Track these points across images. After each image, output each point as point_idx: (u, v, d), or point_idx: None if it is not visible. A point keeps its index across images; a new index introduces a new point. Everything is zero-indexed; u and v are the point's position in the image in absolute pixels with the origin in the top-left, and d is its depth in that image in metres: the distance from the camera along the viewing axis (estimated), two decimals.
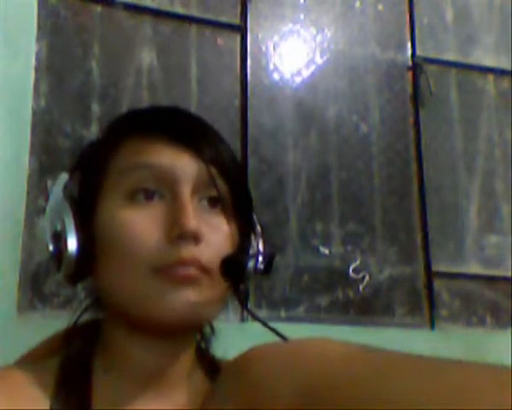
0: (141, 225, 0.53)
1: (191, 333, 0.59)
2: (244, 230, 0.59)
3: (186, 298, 0.52)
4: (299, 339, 0.41)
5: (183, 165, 0.55)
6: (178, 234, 0.52)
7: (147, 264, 0.53)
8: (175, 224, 0.53)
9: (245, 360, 0.42)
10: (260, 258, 0.60)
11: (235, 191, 0.58)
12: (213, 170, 0.56)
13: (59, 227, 0.57)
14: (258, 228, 0.63)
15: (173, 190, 0.55)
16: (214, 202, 0.57)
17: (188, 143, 0.56)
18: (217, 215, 0.57)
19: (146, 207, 0.54)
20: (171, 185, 0.55)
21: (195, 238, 0.53)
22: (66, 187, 0.59)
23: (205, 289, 0.54)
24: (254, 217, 0.63)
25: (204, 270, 0.53)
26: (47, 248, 0.58)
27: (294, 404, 0.35)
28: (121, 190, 0.55)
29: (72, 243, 0.55)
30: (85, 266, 0.56)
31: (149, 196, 0.55)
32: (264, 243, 0.61)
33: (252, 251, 0.60)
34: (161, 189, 0.55)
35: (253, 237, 0.61)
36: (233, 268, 0.55)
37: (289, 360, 0.38)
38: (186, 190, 0.54)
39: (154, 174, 0.55)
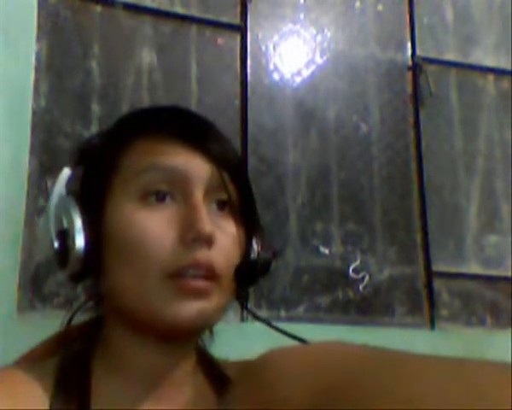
0: (154, 227, 0.53)
1: (194, 337, 0.59)
2: (250, 232, 0.60)
3: (196, 309, 0.53)
4: (315, 342, 0.41)
5: (197, 167, 0.55)
6: (193, 238, 0.52)
7: (160, 268, 0.52)
8: (189, 227, 0.53)
9: (261, 362, 0.42)
10: (261, 250, 0.61)
11: (242, 194, 0.58)
12: (224, 174, 0.56)
13: (65, 223, 0.56)
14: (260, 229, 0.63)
15: (186, 192, 0.54)
16: (223, 204, 0.57)
17: (200, 145, 0.56)
18: (225, 218, 0.57)
19: (158, 209, 0.54)
20: (184, 188, 0.55)
21: (209, 242, 0.53)
22: (68, 183, 0.59)
23: (214, 299, 0.54)
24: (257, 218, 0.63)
25: (215, 276, 0.54)
26: (51, 244, 0.57)
27: (310, 406, 0.35)
28: (133, 190, 0.54)
29: (80, 240, 0.55)
30: (92, 264, 0.55)
31: (161, 197, 0.54)
32: (262, 244, 0.61)
33: (253, 253, 0.60)
34: (173, 191, 0.55)
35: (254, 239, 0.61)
36: (248, 275, 0.56)
37: (305, 363, 0.38)
38: (199, 193, 0.54)
39: (167, 176, 0.54)
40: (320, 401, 0.35)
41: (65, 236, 0.56)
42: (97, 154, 0.59)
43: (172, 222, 0.54)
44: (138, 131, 0.57)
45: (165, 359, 0.56)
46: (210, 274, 0.53)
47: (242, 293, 0.59)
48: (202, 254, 0.53)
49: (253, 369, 0.43)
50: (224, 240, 0.55)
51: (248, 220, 0.59)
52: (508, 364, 0.30)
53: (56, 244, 0.56)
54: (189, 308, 0.52)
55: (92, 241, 0.55)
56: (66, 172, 0.60)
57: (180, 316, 0.52)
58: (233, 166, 0.57)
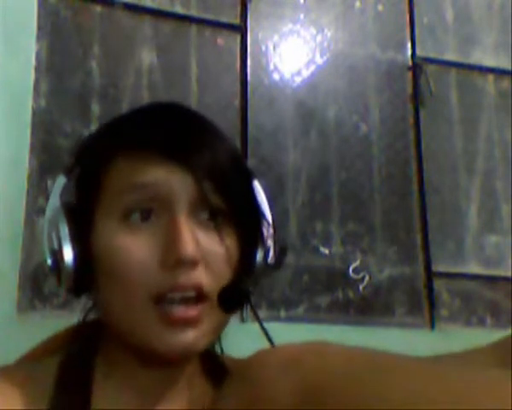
0: (136, 250, 0.51)
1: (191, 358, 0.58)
2: (247, 242, 0.57)
3: (185, 340, 0.51)
4: (300, 342, 0.41)
5: (178, 183, 0.52)
6: (174, 261, 0.50)
7: (144, 292, 0.51)
8: (171, 250, 0.50)
9: (249, 363, 0.42)
10: (271, 253, 0.59)
11: (234, 203, 0.55)
12: (209, 185, 0.53)
13: (55, 240, 0.55)
14: (269, 220, 0.60)
15: (168, 210, 0.52)
16: (212, 215, 0.54)
17: (181, 158, 0.53)
18: (215, 231, 0.54)
19: (142, 229, 0.52)
20: (166, 205, 0.52)
21: (192, 264, 0.51)
22: (63, 193, 0.58)
23: (205, 324, 0.52)
24: (266, 210, 0.60)
25: (204, 297, 0.52)
26: (45, 261, 0.57)
27: (296, 406, 0.35)
28: (117, 209, 0.53)
29: (68, 258, 0.54)
30: (84, 281, 0.55)
31: (145, 216, 0.52)
32: (275, 238, 0.59)
33: (260, 248, 0.58)
34: (158, 208, 0.53)
35: (264, 230, 0.59)
36: (231, 300, 0.53)
37: (290, 363, 0.39)
38: (182, 211, 0.52)
39: (150, 194, 0.52)
40: (307, 401, 0.35)
41: (56, 254, 0.55)
42: (83, 170, 0.57)
43: (154, 243, 0.51)
44: (119, 147, 0.55)
45: (165, 371, 0.56)
46: (198, 295, 0.51)
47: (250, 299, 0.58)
48: (186, 278, 0.51)
49: (242, 369, 0.43)
50: (213, 255, 0.53)
51: (243, 229, 0.56)
52: (494, 369, 0.30)
53: (49, 261, 0.56)
54: (177, 340, 0.50)
55: (81, 260, 0.54)
56: (60, 180, 0.59)
57: (168, 347, 0.51)
58: (222, 176, 0.54)
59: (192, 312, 0.51)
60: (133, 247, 0.52)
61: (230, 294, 0.53)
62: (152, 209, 0.53)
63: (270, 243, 0.59)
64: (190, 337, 0.51)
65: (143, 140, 0.54)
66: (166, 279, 0.51)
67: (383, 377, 0.32)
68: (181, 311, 0.50)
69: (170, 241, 0.51)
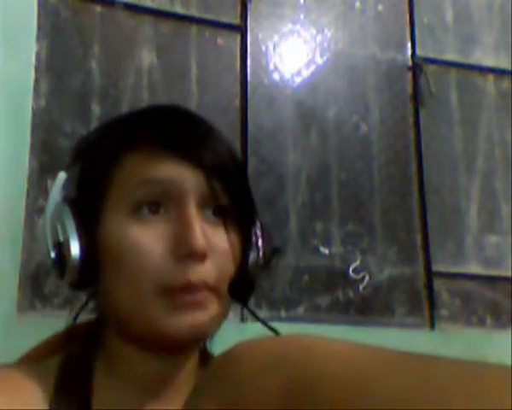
0: (147, 242, 0.53)
1: (194, 346, 0.59)
2: (248, 238, 0.59)
3: (193, 322, 0.52)
4: (282, 336, 0.40)
5: (189, 178, 0.54)
6: (186, 253, 0.52)
7: (153, 283, 0.52)
8: (182, 242, 0.52)
9: (227, 357, 0.40)
10: (260, 254, 0.60)
11: (238, 201, 0.58)
12: (217, 183, 0.55)
13: (60, 233, 0.56)
14: (259, 226, 0.62)
15: (179, 204, 0.54)
16: (219, 211, 0.56)
17: (192, 155, 0.55)
18: (220, 227, 0.56)
19: (152, 222, 0.54)
20: (177, 199, 0.54)
21: (202, 258, 0.53)
22: (64, 188, 0.58)
23: (211, 310, 0.54)
24: (256, 217, 0.63)
25: (211, 290, 0.53)
26: (48, 254, 0.57)
27: (281, 404, 0.33)
28: (126, 203, 0.54)
29: (75, 251, 0.54)
30: (89, 274, 0.55)
31: (155, 209, 0.54)
32: (264, 240, 0.61)
33: (253, 250, 0.60)
34: (167, 202, 0.54)
35: (256, 231, 0.61)
36: (242, 290, 0.55)
37: (273, 359, 0.37)
38: (192, 205, 0.54)
39: (160, 189, 0.54)
40: (291, 401, 0.33)
41: (61, 247, 0.56)
42: (90, 166, 0.59)
43: (165, 235, 0.53)
44: (128, 146, 0.56)
45: (165, 366, 0.56)
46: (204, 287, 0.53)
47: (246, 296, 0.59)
48: (195, 273, 0.52)
49: (219, 364, 0.40)
50: (219, 252, 0.55)
51: (245, 226, 0.58)
52: (502, 366, 0.29)
53: (53, 254, 0.56)
54: (185, 321, 0.52)
55: (87, 253, 0.55)
56: (61, 176, 0.59)
57: (176, 330, 0.52)
58: (228, 172, 0.57)
59: (200, 296, 0.53)
60: (144, 238, 0.53)
61: (241, 285, 0.55)
62: (160, 203, 0.54)
63: (266, 238, 0.61)
64: (199, 319, 0.53)
65: (157, 138, 0.56)
66: (176, 273, 0.52)
67: (371, 373, 0.30)
68: (188, 297, 0.52)
69: (181, 233, 0.53)
